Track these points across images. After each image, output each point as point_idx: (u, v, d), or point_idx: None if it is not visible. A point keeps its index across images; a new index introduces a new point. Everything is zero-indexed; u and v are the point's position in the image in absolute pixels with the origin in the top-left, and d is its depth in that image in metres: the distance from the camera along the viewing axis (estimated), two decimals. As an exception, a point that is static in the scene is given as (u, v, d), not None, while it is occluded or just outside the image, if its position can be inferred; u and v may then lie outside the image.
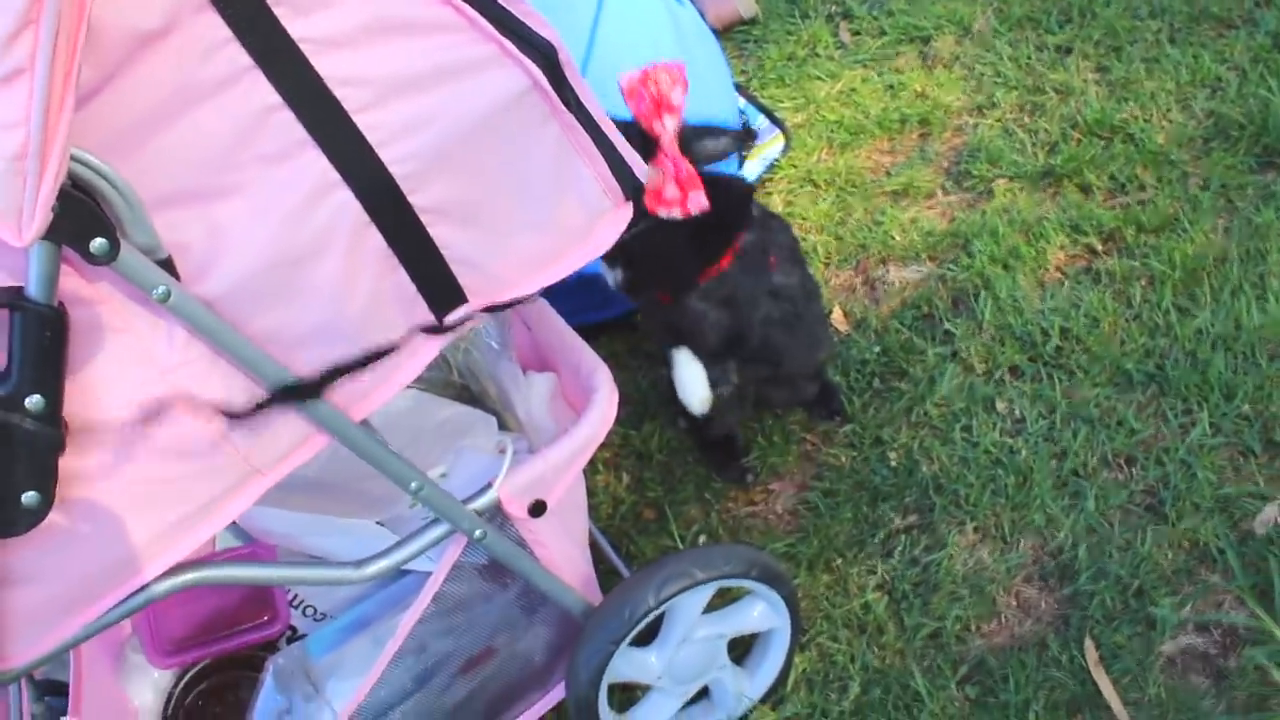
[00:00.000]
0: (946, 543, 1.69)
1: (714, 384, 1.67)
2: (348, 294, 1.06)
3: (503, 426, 1.68)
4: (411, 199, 1.06)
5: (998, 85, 2.39)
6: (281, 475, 1.17)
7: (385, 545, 1.33)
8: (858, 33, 2.67)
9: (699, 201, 1.39)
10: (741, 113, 2.30)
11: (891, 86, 2.48)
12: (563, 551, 1.47)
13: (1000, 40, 2.49)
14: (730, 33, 2.82)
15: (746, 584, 1.50)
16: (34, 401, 0.92)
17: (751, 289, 1.62)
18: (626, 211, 1.25)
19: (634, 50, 1.93)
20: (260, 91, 0.96)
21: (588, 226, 1.21)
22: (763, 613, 1.56)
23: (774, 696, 1.59)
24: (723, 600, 1.53)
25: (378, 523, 1.58)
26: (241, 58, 0.94)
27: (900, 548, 1.71)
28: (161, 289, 0.95)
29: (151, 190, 0.92)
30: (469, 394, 1.71)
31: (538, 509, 1.39)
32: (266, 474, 1.14)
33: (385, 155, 1.03)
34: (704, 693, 1.61)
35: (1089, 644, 1.52)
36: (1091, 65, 2.38)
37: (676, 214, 1.39)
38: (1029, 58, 2.42)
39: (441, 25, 1.04)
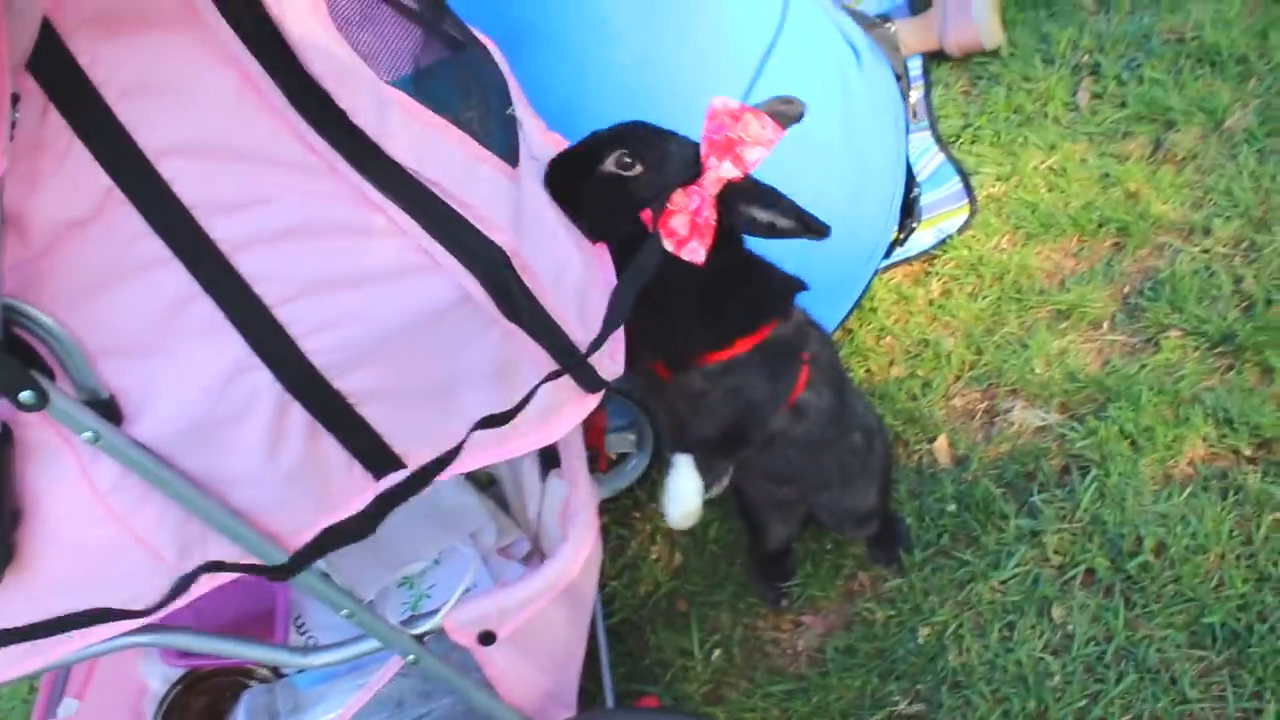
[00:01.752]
0: (938, 753, 1.58)
1: (705, 488, 1.48)
2: (275, 455, 1.11)
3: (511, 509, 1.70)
4: (336, 384, 1.09)
5: (1221, 207, 2.06)
6: (218, 584, 1.25)
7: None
8: (1098, 96, 2.36)
9: (693, 253, 1.24)
10: (915, 187, 2.11)
11: (1107, 175, 2.20)
12: (516, 674, 1.50)
13: (1248, 147, 2.14)
14: (968, 60, 2.57)
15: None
16: None
17: (768, 391, 1.41)
18: (592, 401, 1.23)
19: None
20: (180, 279, 1.00)
21: (544, 417, 1.21)
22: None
23: None
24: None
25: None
26: (161, 249, 0.98)
27: (892, 737, 1.61)
28: (90, 434, 1.03)
29: (96, 341, 0.99)
30: (487, 478, 1.72)
31: (487, 638, 1.42)
32: (201, 581, 1.22)
33: (306, 345, 1.06)
34: (645, 829, 1.61)
35: None
36: (1342, 208, 2.01)
37: (669, 248, 1.25)
38: (1273, 178, 2.07)
39: (370, 231, 1.04)
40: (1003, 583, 1.71)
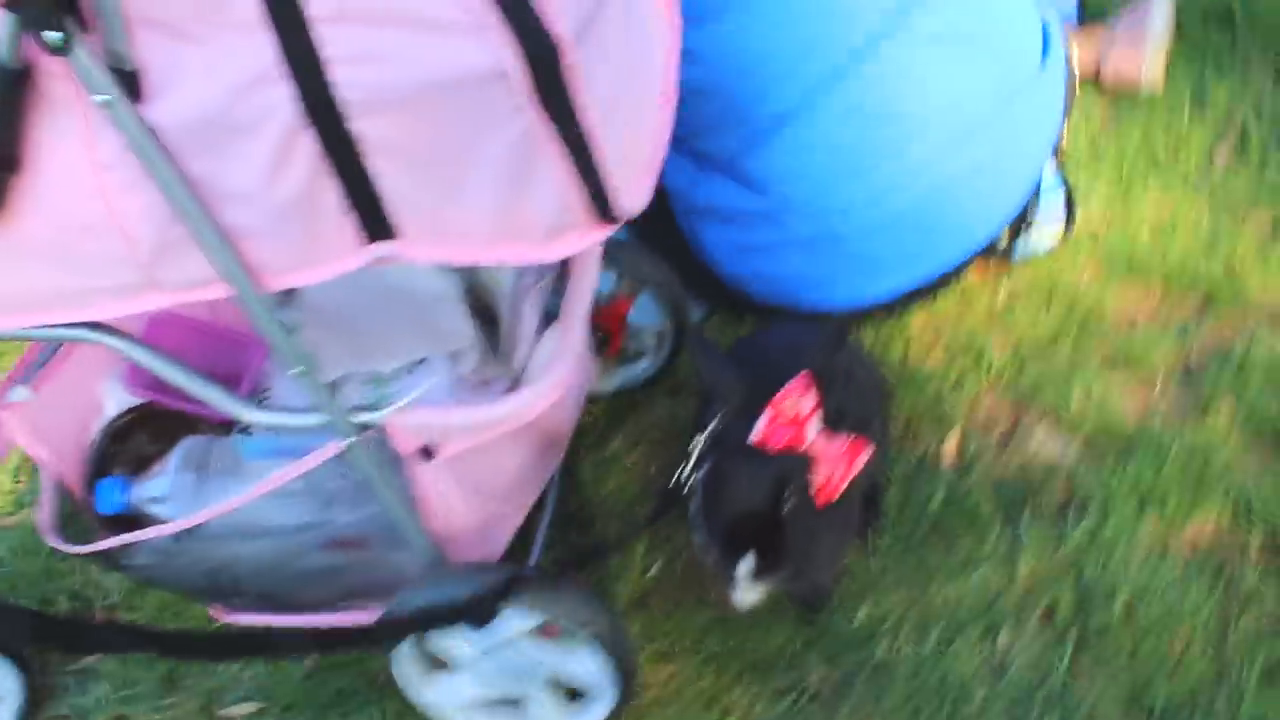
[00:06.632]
0: (831, 731, 1.52)
1: None
2: (274, 179, 1.09)
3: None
4: (350, 123, 1.05)
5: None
6: (178, 301, 1.24)
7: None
8: (1236, 161, 2.24)
9: (866, 455, 1.38)
10: (1034, 205, 2.02)
11: (1215, 240, 2.08)
12: (444, 502, 1.47)
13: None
14: (1116, 93, 2.44)
15: (578, 634, 1.43)
16: None
17: None
18: (598, 234, 1.17)
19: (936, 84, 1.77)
20: None
21: (546, 233, 1.18)
22: (589, 671, 1.49)
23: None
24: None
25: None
26: None
27: (795, 699, 1.56)
28: (105, 98, 1.02)
29: (138, 7, 0.98)
30: (488, 312, 1.67)
31: (425, 453, 1.40)
32: (165, 293, 1.22)
33: (332, 71, 1.02)
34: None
35: None
36: None
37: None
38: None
39: None
40: (961, 592, 1.64)
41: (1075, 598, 1.61)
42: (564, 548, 1.79)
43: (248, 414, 1.37)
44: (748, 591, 1.62)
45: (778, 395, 1.38)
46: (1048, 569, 1.65)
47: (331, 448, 1.39)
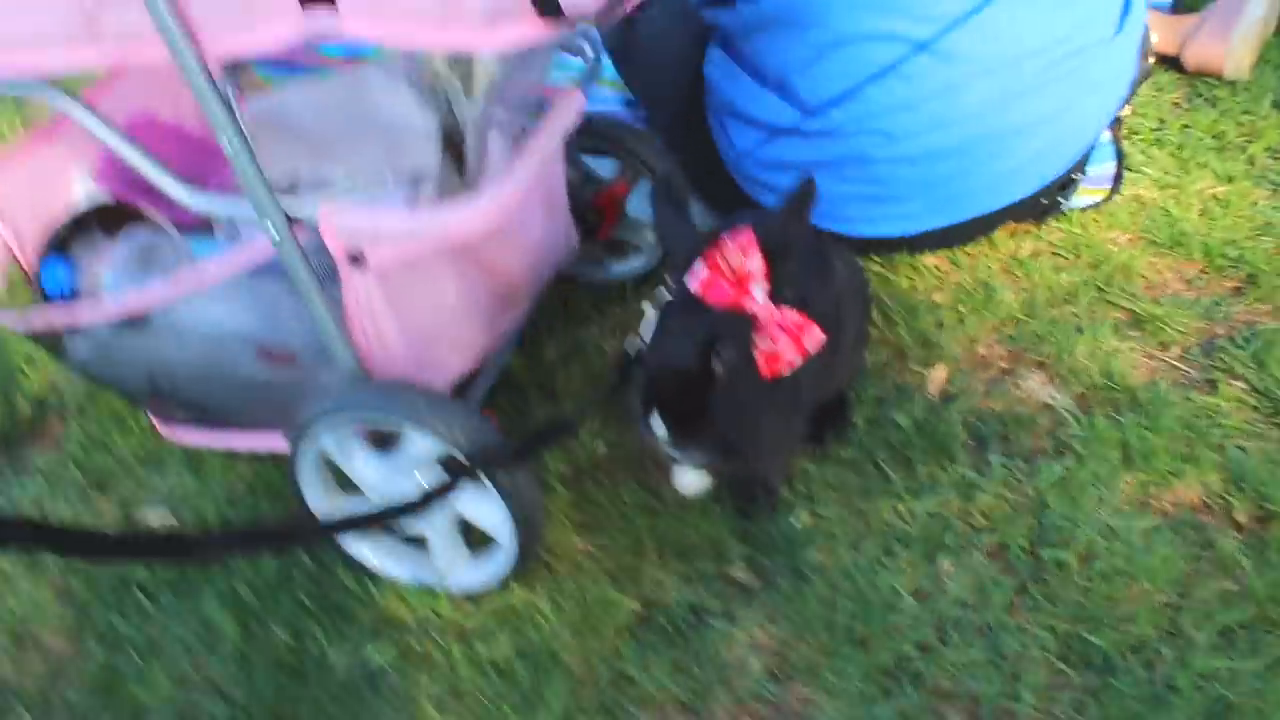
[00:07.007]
0: (737, 628, 1.41)
1: None
2: None
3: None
4: None
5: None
6: (113, 59, 1.24)
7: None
8: (1310, 154, 2.08)
9: (816, 337, 1.29)
10: (1082, 170, 1.90)
11: (1269, 225, 1.93)
12: (374, 319, 1.42)
13: None
14: (1196, 77, 2.30)
15: (481, 474, 1.36)
16: None
17: None
18: (537, 26, 1.12)
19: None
20: None
21: (486, 17, 1.14)
22: (490, 519, 1.41)
23: (473, 598, 1.46)
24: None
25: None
26: None
27: (708, 586, 1.46)
28: None
29: None
30: (456, 143, 1.61)
31: (357, 259, 1.35)
32: (104, 46, 1.22)
33: None
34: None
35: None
36: None
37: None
38: None
39: None
40: (911, 513, 1.53)
41: (1031, 535, 1.48)
42: (521, 406, 1.73)
43: (187, 197, 1.34)
44: (688, 474, 1.53)
45: (716, 244, 1.29)
46: (1010, 504, 1.52)
47: (262, 242, 1.35)
